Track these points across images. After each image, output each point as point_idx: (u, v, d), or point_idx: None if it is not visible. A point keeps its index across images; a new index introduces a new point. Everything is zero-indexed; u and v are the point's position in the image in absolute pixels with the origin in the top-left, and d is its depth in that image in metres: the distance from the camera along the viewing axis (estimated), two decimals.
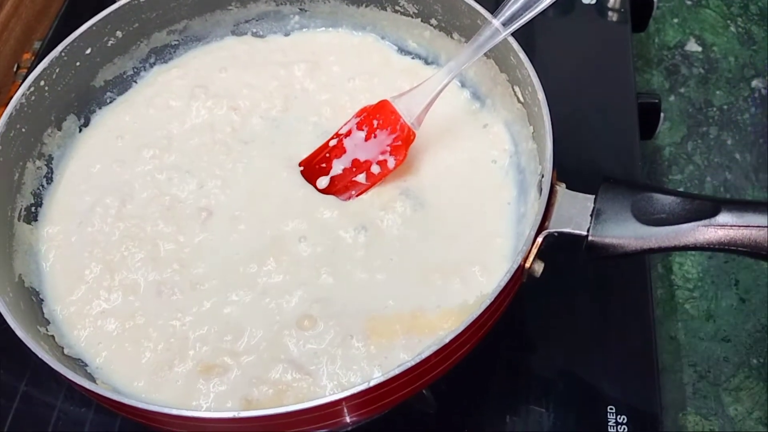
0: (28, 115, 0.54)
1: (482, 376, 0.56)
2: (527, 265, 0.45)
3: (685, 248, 0.44)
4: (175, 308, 0.50)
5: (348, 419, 0.44)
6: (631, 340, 0.57)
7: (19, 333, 0.44)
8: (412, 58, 0.63)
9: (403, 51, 0.63)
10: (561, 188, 0.48)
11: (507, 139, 0.57)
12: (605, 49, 0.74)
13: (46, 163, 0.57)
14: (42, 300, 0.51)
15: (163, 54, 0.63)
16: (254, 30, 0.65)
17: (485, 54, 0.53)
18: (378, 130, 0.54)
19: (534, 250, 0.45)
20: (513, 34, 0.52)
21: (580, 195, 0.47)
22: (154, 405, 0.42)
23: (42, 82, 0.55)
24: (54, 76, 0.56)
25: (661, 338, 0.73)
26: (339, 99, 0.60)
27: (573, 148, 0.66)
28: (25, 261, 0.52)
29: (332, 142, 0.56)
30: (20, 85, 0.73)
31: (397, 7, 0.61)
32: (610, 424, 0.53)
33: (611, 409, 0.54)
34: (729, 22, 0.95)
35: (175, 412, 0.41)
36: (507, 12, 0.51)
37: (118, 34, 0.59)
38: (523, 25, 0.51)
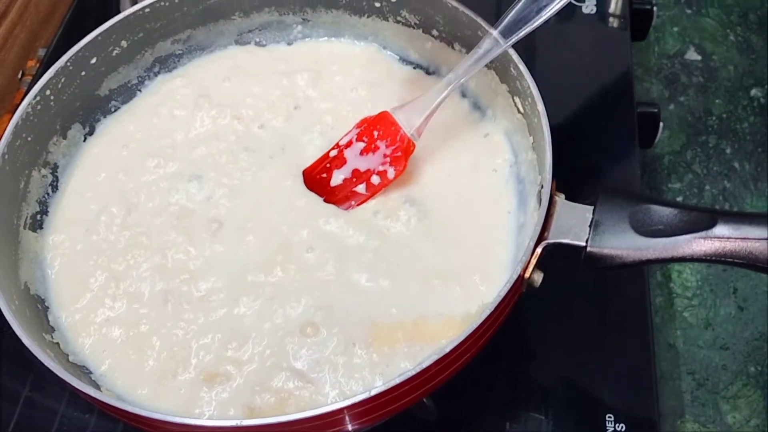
0: (33, 124, 0.55)
1: (482, 384, 0.56)
2: (527, 275, 0.46)
3: (683, 260, 0.44)
4: (180, 318, 0.51)
5: (350, 427, 0.45)
6: (629, 348, 0.58)
7: (26, 341, 0.44)
8: (414, 68, 0.64)
9: (404, 61, 0.64)
10: (560, 199, 0.48)
11: (507, 148, 0.58)
12: (605, 58, 0.75)
13: (51, 171, 0.58)
14: (47, 307, 0.52)
15: (167, 63, 0.64)
16: (257, 39, 0.65)
17: (486, 65, 0.53)
18: (378, 140, 0.55)
19: (533, 261, 0.46)
20: (513, 45, 0.52)
21: (579, 206, 0.48)
22: (158, 413, 0.42)
23: (48, 92, 0.56)
24: (59, 86, 0.56)
25: (660, 346, 0.73)
26: (341, 108, 0.61)
27: (572, 157, 0.67)
28: (30, 269, 0.53)
29: (333, 153, 0.56)
30: (25, 93, 0.74)
31: (398, 18, 0.62)
32: (608, 431, 0.54)
33: (610, 416, 0.54)
34: (728, 31, 0.96)
35: (178, 420, 0.42)
36: (507, 24, 0.52)
37: (123, 43, 0.60)
38: (523, 38, 0.51)
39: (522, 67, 0.53)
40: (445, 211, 0.55)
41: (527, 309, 0.59)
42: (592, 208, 0.47)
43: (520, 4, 0.51)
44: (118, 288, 0.52)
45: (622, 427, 0.54)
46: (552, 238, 0.47)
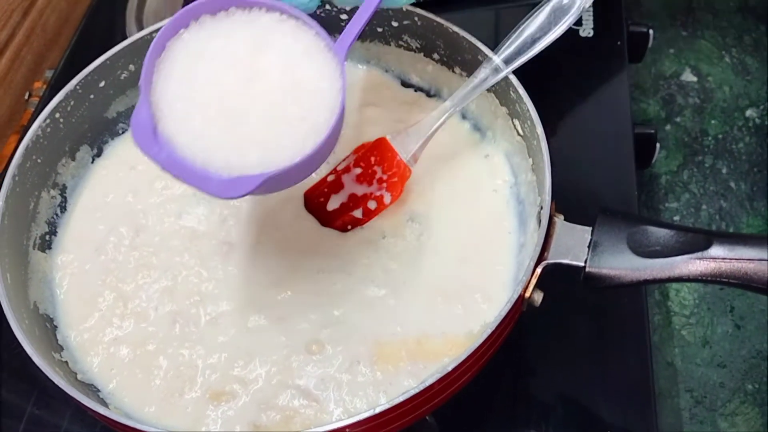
0: (43, 147, 0.56)
1: (484, 401, 0.57)
2: (527, 294, 0.47)
3: (679, 280, 0.45)
4: (188, 339, 0.52)
5: None
6: (628, 365, 0.58)
7: (36, 360, 0.45)
8: (415, 90, 0.65)
9: (406, 84, 0.65)
10: (559, 220, 0.49)
11: (507, 170, 0.59)
12: (603, 80, 0.76)
13: (60, 192, 0.59)
14: (56, 326, 0.53)
15: None
16: None
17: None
18: (375, 166, 0.56)
19: (533, 281, 0.47)
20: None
21: (578, 227, 0.49)
22: (165, 430, 0.43)
23: (57, 114, 0.57)
24: (69, 109, 0.58)
25: (658, 364, 0.74)
26: (344, 130, 0.61)
27: (571, 178, 0.68)
28: (39, 288, 0.54)
29: (330, 178, 0.58)
30: (34, 115, 0.75)
31: (400, 42, 0.63)
32: None
33: None
34: (724, 52, 0.97)
35: None
36: (508, 49, 0.53)
37: (131, 67, 0.61)
38: (523, 64, 0.53)
39: (521, 90, 0.54)
40: (448, 230, 0.56)
41: (528, 328, 0.59)
42: (590, 229, 0.48)
43: (521, 29, 0.53)
44: (126, 308, 0.53)
45: None
46: (551, 259, 0.48)
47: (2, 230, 0.51)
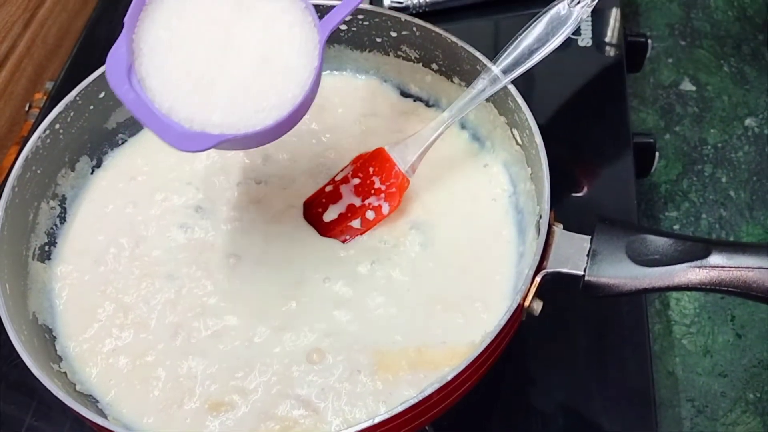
0: (43, 157, 0.56)
1: (484, 411, 0.57)
2: (526, 303, 0.47)
3: (678, 288, 0.45)
4: (188, 351, 0.51)
5: None
6: (629, 375, 0.58)
7: (35, 371, 0.45)
8: (414, 100, 0.65)
9: (405, 94, 0.65)
10: (558, 229, 0.49)
11: (506, 179, 0.59)
12: (601, 90, 0.76)
13: (59, 203, 0.59)
14: (55, 337, 0.53)
15: None
16: None
17: None
18: (373, 176, 0.56)
19: (532, 290, 0.47)
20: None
21: (577, 236, 0.49)
22: None
23: (57, 125, 0.57)
24: (68, 119, 0.58)
25: (660, 373, 0.74)
26: (344, 141, 0.62)
27: (570, 187, 0.68)
28: (38, 299, 0.54)
29: (328, 188, 0.58)
30: (34, 126, 0.76)
31: (399, 53, 0.63)
32: None
33: None
34: (722, 62, 0.98)
35: None
36: (507, 59, 0.53)
37: None
38: (521, 74, 0.53)
39: (520, 100, 0.54)
40: (449, 238, 0.56)
41: (528, 337, 0.60)
42: (589, 237, 0.48)
43: (519, 40, 0.53)
44: (126, 318, 0.53)
45: None
46: (551, 268, 0.48)
47: (2, 241, 0.51)
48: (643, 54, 0.84)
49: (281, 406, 0.49)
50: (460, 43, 0.58)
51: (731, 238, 0.83)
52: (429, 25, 0.59)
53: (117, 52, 0.43)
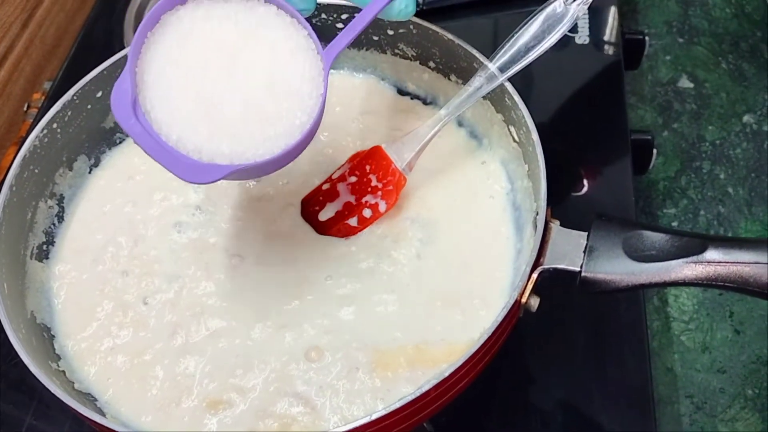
0: (41, 157, 0.56)
1: (482, 408, 0.57)
2: (523, 300, 0.47)
3: (675, 284, 0.45)
4: (186, 350, 0.52)
5: None
6: (627, 372, 0.58)
7: (33, 369, 0.45)
8: (411, 98, 0.65)
9: (402, 92, 0.65)
10: (555, 225, 0.49)
11: (503, 176, 0.59)
12: (599, 87, 0.76)
13: (57, 202, 0.59)
14: (53, 336, 0.53)
15: None
16: None
17: None
18: (370, 174, 0.56)
19: (529, 286, 0.47)
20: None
21: (574, 232, 0.49)
22: None
23: (55, 125, 0.57)
24: (66, 119, 0.58)
25: (658, 370, 0.74)
26: (342, 139, 0.62)
27: (567, 184, 0.68)
28: (36, 298, 0.54)
29: (325, 186, 0.58)
30: (32, 125, 0.76)
31: (396, 51, 0.63)
32: None
33: None
34: (720, 59, 0.98)
35: None
36: (504, 57, 0.53)
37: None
38: (518, 72, 0.53)
39: (516, 97, 0.54)
40: (448, 235, 0.57)
41: (526, 334, 0.60)
42: (586, 234, 0.48)
43: (515, 38, 0.53)
44: (126, 317, 0.53)
45: None
46: (548, 264, 0.48)
47: (0, 240, 0.51)
48: (641, 51, 0.84)
49: (279, 404, 0.49)
50: (457, 40, 0.58)
51: (730, 235, 0.83)
52: (426, 23, 0.59)
53: (121, 86, 0.43)
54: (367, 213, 0.56)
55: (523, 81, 0.67)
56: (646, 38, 0.84)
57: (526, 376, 0.59)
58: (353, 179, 0.57)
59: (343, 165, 0.58)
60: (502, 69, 0.53)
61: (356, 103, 0.65)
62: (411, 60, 0.63)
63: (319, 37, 0.46)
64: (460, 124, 0.62)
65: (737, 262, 0.44)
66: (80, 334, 0.53)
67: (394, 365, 0.50)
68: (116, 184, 0.60)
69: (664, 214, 0.85)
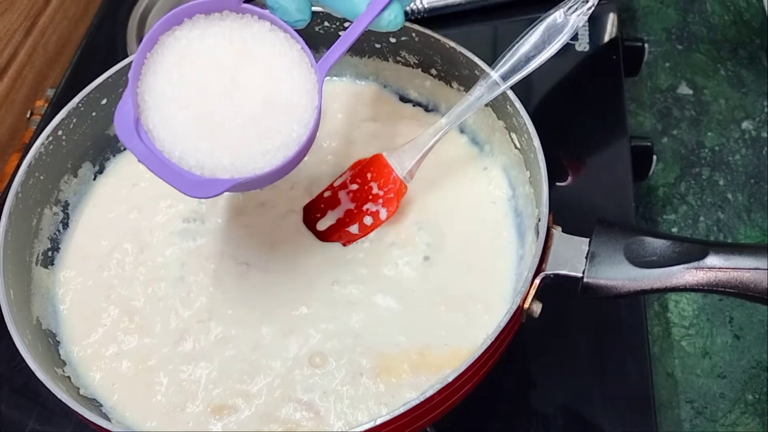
0: (46, 164, 0.57)
1: (485, 413, 0.57)
2: (526, 305, 0.47)
3: (676, 289, 0.46)
4: (191, 356, 0.52)
5: None
6: (628, 377, 0.59)
7: (39, 375, 0.45)
8: (413, 105, 0.65)
9: (404, 99, 0.66)
10: (557, 231, 0.50)
11: (505, 182, 0.60)
12: (599, 94, 0.77)
13: (62, 209, 0.59)
14: (59, 342, 0.53)
15: None
16: None
17: None
18: (371, 182, 0.57)
19: (532, 292, 0.47)
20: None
21: (576, 238, 0.49)
22: None
23: (60, 132, 0.57)
24: (71, 126, 0.58)
25: (659, 375, 0.74)
26: (344, 146, 0.62)
27: (568, 190, 0.68)
28: (42, 304, 0.54)
29: (327, 194, 0.58)
30: (37, 132, 0.76)
31: (398, 58, 0.64)
32: None
33: None
34: (719, 65, 0.98)
35: None
36: (505, 65, 0.54)
37: None
38: (520, 80, 0.53)
39: (518, 104, 0.55)
40: (451, 241, 0.57)
41: (528, 339, 0.60)
42: (587, 240, 0.49)
43: (515, 48, 0.54)
44: (132, 323, 0.53)
45: None
46: (550, 270, 0.48)
47: (5, 246, 0.51)
48: (640, 58, 0.85)
49: (284, 409, 0.49)
50: (459, 48, 0.58)
51: (729, 241, 0.84)
52: (428, 31, 0.60)
53: (124, 107, 0.44)
54: (368, 220, 0.57)
55: (524, 88, 0.67)
56: (646, 45, 0.84)
57: (529, 381, 0.59)
58: (354, 187, 0.57)
59: (344, 173, 0.59)
60: (503, 78, 0.54)
61: (359, 110, 0.65)
62: (413, 67, 0.64)
63: (322, 45, 0.46)
64: (462, 130, 0.63)
65: (737, 268, 0.44)
66: (86, 340, 0.53)
67: (398, 371, 0.51)
68: (121, 191, 0.61)
69: (664, 220, 0.85)
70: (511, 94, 0.55)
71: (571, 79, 0.77)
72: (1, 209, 0.52)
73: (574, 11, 0.53)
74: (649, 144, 0.77)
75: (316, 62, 0.46)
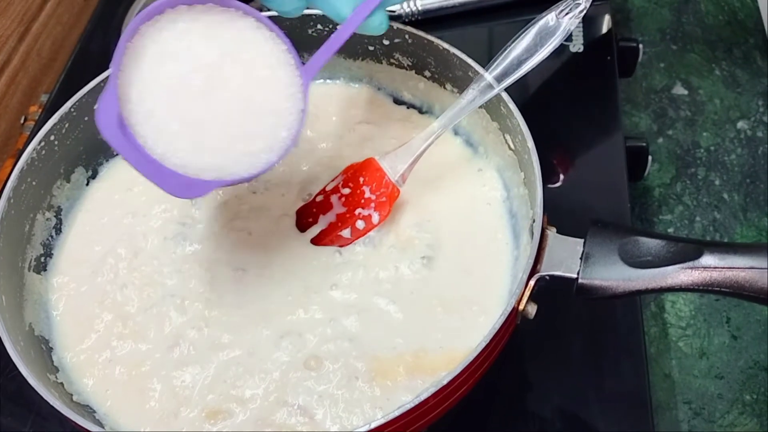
0: (38, 169, 0.56)
1: (480, 415, 0.57)
2: (521, 307, 0.47)
3: (671, 290, 0.45)
4: (185, 362, 0.52)
5: None
6: (625, 378, 0.58)
7: (32, 381, 0.45)
8: (407, 107, 0.65)
9: (398, 101, 0.66)
10: (551, 232, 0.50)
11: (499, 184, 0.59)
12: (594, 95, 0.76)
13: (55, 214, 0.59)
14: (51, 348, 0.53)
15: None
16: None
17: None
18: (363, 186, 0.57)
19: (527, 293, 0.47)
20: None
21: (570, 239, 0.49)
22: None
23: (52, 137, 0.57)
24: (63, 131, 0.58)
25: (656, 376, 0.74)
26: (338, 148, 0.62)
27: (563, 191, 0.68)
28: (35, 310, 0.54)
29: (319, 198, 0.58)
30: (29, 138, 0.76)
31: (392, 60, 0.64)
32: None
33: None
34: (714, 65, 0.98)
35: None
36: (499, 67, 0.54)
37: None
38: (513, 82, 0.53)
39: (512, 105, 0.55)
40: (447, 242, 0.57)
41: (524, 341, 0.60)
42: (582, 241, 0.49)
43: (507, 51, 0.53)
44: (125, 328, 0.53)
45: None
46: (544, 271, 0.48)
47: None
48: (635, 59, 0.85)
49: (279, 413, 0.49)
50: (452, 50, 0.58)
51: (725, 240, 0.83)
52: (421, 33, 0.60)
53: (105, 101, 0.42)
54: (360, 225, 0.56)
55: (518, 89, 0.67)
56: (640, 46, 0.84)
57: (525, 383, 0.59)
58: (347, 191, 0.57)
59: (336, 177, 0.58)
60: (496, 80, 0.54)
61: (352, 112, 0.65)
62: (407, 69, 0.63)
63: (315, 48, 0.46)
64: (456, 132, 0.63)
65: (733, 267, 0.44)
66: (79, 346, 0.53)
67: (393, 374, 0.50)
68: (114, 196, 0.61)
69: (660, 220, 0.85)
70: (504, 95, 0.55)
71: (565, 79, 0.77)
72: None
73: (566, 14, 0.53)
74: (644, 144, 0.77)
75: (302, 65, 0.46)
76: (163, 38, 0.44)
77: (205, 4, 0.44)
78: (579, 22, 0.54)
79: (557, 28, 0.53)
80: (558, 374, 0.59)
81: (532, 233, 0.49)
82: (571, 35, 0.77)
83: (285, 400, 0.50)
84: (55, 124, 0.57)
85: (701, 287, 0.45)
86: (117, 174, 0.62)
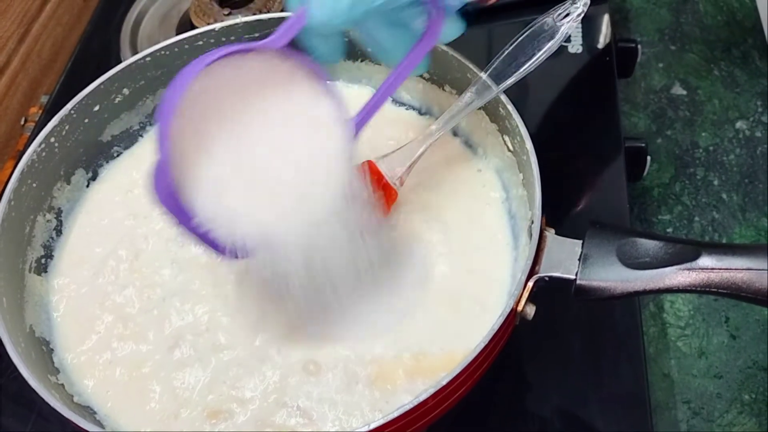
0: (38, 171, 0.56)
1: (480, 416, 0.57)
2: (519, 308, 0.47)
3: (669, 291, 0.46)
4: (186, 363, 0.52)
5: None
6: (624, 378, 0.59)
7: (32, 383, 0.45)
8: (407, 108, 0.66)
9: (397, 102, 0.66)
10: (550, 234, 0.50)
11: (498, 185, 0.60)
12: (592, 96, 0.77)
13: (55, 216, 0.59)
14: (52, 349, 0.53)
15: None
16: None
17: None
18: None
19: (525, 294, 0.47)
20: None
21: (569, 240, 0.49)
22: None
23: (52, 139, 0.57)
24: (63, 133, 0.58)
25: (655, 376, 0.74)
26: None
27: (562, 192, 0.68)
28: (35, 312, 0.54)
29: None
30: (29, 139, 0.76)
31: None
32: None
33: None
34: (712, 65, 0.98)
35: None
36: (498, 69, 0.54)
37: (125, 91, 0.61)
38: (511, 85, 0.53)
39: (510, 107, 0.55)
40: (449, 243, 0.57)
41: (523, 342, 0.60)
42: (580, 242, 0.49)
43: (504, 54, 0.54)
44: (126, 329, 0.53)
45: None
46: (543, 272, 0.48)
47: None
48: (634, 59, 0.85)
49: (278, 415, 0.49)
50: (451, 51, 0.58)
51: (724, 241, 0.84)
52: None
53: (162, 172, 0.39)
54: None
55: (517, 90, 0.67)
56: (639, 46, 0.84)
57: (524, 384, 0.59)
58: None
59: None
60: (495, 82, 0.54)
61: (352, 113, 0.65)
62: None
63: None
64: (455, 133, 0.63)
65: (730, 269, 0.44)
66: (79, 347, 0.53)
67: (393, 377, 0.50)
68: (115, 197, 0.61)
69: (659, 220, 0.86)
70: (503, 96, 0.55)
71: (564, 80, 0.77)
72: None
73: (564, 17, 0.53)
74: (643, 145, 0.77)
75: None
76: (217, 93, 0.41)
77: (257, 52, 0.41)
78: (577, 25, 0.54)
79: (555, 32, 0.53)
80: (557, 374, 0.59)
81: (531, 234, 0.50)
82: (569, 36, 0.77)
83: (285, 401, 0.50)
84: (55, 126, 0.57)
85: (699, 288, 0.45)
86: (117, 176, 0.62)
